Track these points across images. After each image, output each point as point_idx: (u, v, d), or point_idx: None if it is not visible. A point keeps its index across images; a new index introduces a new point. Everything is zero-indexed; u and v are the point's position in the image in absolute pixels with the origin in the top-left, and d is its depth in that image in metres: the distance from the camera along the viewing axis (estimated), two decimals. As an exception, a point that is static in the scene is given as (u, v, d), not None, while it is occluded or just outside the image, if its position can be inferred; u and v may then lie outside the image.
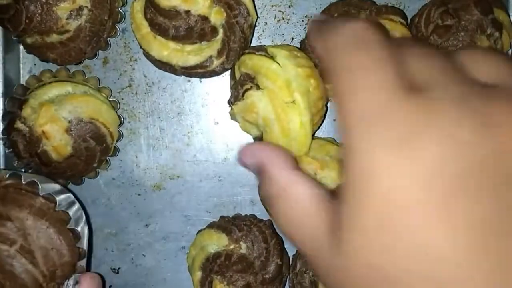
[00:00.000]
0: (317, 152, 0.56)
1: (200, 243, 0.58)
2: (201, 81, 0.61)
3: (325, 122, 0.61)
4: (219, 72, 0.56)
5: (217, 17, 0.54)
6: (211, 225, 0.59)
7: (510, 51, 0.60)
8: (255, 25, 0.57)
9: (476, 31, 0.57)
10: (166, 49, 0.55)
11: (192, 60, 0.55)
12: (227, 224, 0.58)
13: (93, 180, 0.61)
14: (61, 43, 0.56)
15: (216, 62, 0.55)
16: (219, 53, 0.55)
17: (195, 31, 0.53)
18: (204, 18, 0.53)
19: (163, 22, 0.53)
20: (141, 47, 0.56)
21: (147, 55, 0.56)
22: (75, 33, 0.55)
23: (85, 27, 0.55)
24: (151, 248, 0.62)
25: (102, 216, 0.62)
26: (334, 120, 0.62)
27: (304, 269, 0.59)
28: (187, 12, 0.53)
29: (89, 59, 0.60)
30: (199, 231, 0.60)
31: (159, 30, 0.54)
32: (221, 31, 0.54)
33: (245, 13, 0.54)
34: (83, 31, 0.55)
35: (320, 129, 0.60)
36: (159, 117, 0.62)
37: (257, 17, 0.57)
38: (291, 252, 0.61)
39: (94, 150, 0.56)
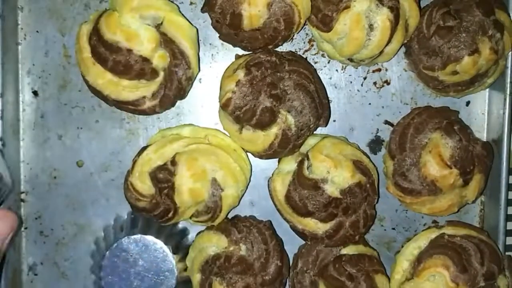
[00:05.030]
0: (330, 151, 0.56)
1: (199, 245, 0.58)
2: (200, 82, 0.61)
3: (335, 123, 0.62)
4: (149, 113, 0.57)
5: (160, 61, 0.54)
6: (210, 227, 0.58)
7: (511, 52, 0.60)
8: (194, 78, 0.57)
9: (477, 32, 0.56)
10: (101, 78, 0.54)
11: (125, 95, 0.55)
12: (227, 226, 0.57)
13: (92, 181, 0.61)
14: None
15: (148, 104, 0.56)
16: (154, 95, 0.55)
17: (134, 69, 0.53)
18: (146, 60, 0.53)
19: (104, 52, 0.53)
20: (79, 68, 0.56)
21: (83, 78, 0.56)
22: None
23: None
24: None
25: (101, 216, 0.62)
26: (335, 121, 0.62)
27: (304, 269, 0.59)
28: (129, 50, 0.53)
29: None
30: (198, 233, 0.60)
31: (99, 59, 0.54)
32: (161, 74, 0.55)
33: (185, 66, 0.55)
34: None
35: (329, 128, 0.61)
36: (158, 118, 0.61)
37: (199, 71, 0.57)
38: (290, 253, 0.61)
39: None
